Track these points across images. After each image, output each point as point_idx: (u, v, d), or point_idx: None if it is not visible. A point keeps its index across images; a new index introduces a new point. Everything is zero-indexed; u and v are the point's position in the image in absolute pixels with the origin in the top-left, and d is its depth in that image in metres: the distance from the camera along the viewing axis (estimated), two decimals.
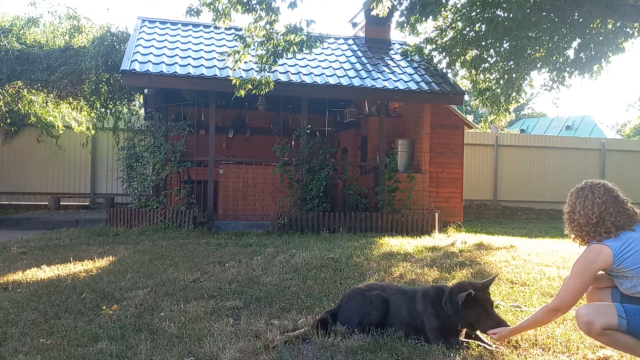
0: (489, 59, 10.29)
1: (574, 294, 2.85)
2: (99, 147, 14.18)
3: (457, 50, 10.11)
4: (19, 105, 12.82)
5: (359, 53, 11.33)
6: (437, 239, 8.43)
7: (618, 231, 2.81)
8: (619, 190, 2.93)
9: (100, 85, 11.81)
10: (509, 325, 3.20)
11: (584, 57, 9.61)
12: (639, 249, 2.75)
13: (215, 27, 10.16)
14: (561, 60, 9.62)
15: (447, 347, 3.17)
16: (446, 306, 3.29)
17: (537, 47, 9.48)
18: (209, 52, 9.94)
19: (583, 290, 2.86)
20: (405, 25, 9.37)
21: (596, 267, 2.81)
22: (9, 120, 13.13)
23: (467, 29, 9.86)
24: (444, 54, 10.64)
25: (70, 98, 12.27)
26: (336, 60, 10.59)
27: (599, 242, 2.83)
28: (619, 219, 2.82)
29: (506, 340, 3.32)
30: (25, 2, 15.20)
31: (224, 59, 8.58)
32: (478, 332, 3.38)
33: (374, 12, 8.87)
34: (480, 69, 10.41)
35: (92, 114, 12.76)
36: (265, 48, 7.95)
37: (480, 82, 10.68)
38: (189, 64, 9.16)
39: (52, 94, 12.19)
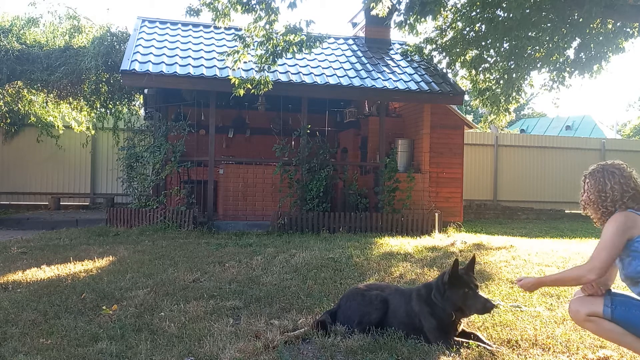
0: (489, 59, 10.29)
1: (607, 253, 2.68)
2: (99, 147, 14.18)
3: (457, 50, 10.10)
4: (19, 105, 12.83)
5: (359, 53, 11.33)
6: (437, 239, 8.43)
7: None
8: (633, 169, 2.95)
9: (100, 85, 11.82)
10: (495, 305, 3.25)
11: (584, 57, 9.61)
12: None
13: (215, 27, 10.19)
14: (561, 60, 9.63)
15: (447, 347, 3.17)
16: (435, 298, 3.29)
17: (537, 47, 9.48)
18: (209, 52, 9.94)
19: (615, 253, 2.69)
20: (404, 24, 9.37)
21: (631, 233, 2.69)
22: (9, 120, 13.14)
23: (467, 29, 9.86)
24: (444, 54, 10.63)
25: (70, 98, 12.27)
26: (336, 60, 10.59)
27: (631, 211, 2.75)
28: None
29: (501, 334, 3.32)
30: (25, 2, 15.22)
31: (223, 59, 8.58)
32: (478, 334, 3.38)
33: (373, 12, 8.87)
34: (480, 69, 10.40)
35: (92, 114, 12.76)
36: (264, 48, 7.95)
37: (480, 82, 10.68)
38: (189, 64, 9.16)
39: (52, 94, 12.19)
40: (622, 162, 2.94)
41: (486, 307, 3.17)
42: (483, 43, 9.85)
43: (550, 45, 9.17)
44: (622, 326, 2.72)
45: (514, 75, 9.97)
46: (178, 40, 10.37)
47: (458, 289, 3.19)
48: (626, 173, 2.86)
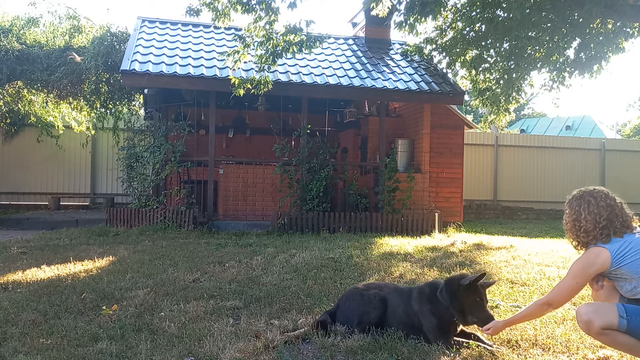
0: (489, 59, 10.29)
1: (567, 292, 2.92)
2: (99, 147, 14.18)
3: (457, 50, 10.10)
4: (19, 105, 12.83)
5: (359, 53, 11.33)
6: (437, 239, 8.43)
7: (625, 231, 2.83)
8: (615, 194, 2.98)
9: (100, 85, 11.82)
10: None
11: (584, 57, 9.61)
12: (638, 250, 2.76)
13: (215, 27, 10.18)
14: (561, 60, 9.62)
15: (447, 347, 3.17)
16: (442, 295, 3.28)
17: (537, 47, 9.48)
18: (209, 52, 9.94)
19: (577, 290, 2.92)
20: (404, 25, 9.37)
21: (594, 269, 2.84)
22: (9, 120, 13.14)
23: (467, 29, 9.86)
24: (444, 54, 10.63)
25: (70, 98, 12.27)
26: (336, 60, 10.59)
27: (598, 245, 2.85)
28: (626, 220, 2.86)
29: (501, 334, 3.33)
30: (25, 2, 15.22)
31: (223, 59, 8.59)
32: (478, 334, 3.38)
33: (373, 12, 8.86)
34: (480, 69, 10.40)
35: (92, 114, 12.77)
36: (264, 48, 7.96)
37: (480, 82, 10.68)
38: (189, 64, 9.17)
39: (52, 94, 12.20)
40: (604, 189, 2.96)
41: (486, 323, 3.18)
42: (483, 43, 9.85)
43: (550, 45, 9.17)
44: (636, 336, 2.69)
45: (514, 75, 9.96)
46: (178, 40, 10.37)
47: (472, 296, 3.20)
48: (602, 202, 2.87)
